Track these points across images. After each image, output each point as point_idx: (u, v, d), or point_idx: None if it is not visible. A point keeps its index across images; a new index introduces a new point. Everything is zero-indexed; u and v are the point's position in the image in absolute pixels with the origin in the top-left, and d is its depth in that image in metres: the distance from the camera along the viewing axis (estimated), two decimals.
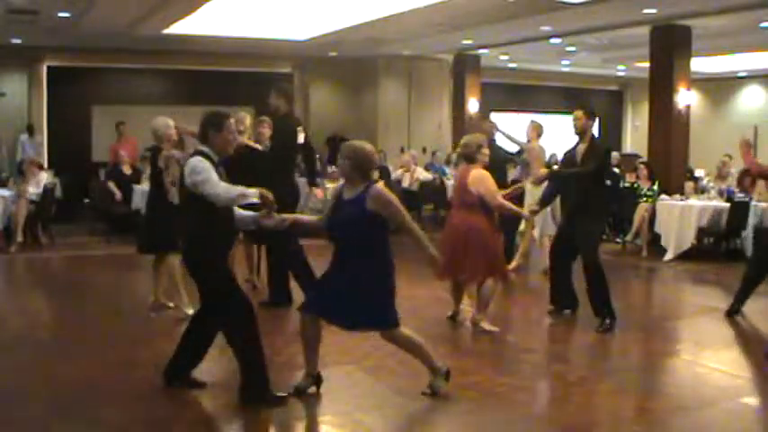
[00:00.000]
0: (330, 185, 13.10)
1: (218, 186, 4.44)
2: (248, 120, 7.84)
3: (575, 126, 6.75)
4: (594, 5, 11.00)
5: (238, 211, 4.77)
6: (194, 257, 4.66)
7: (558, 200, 13.37)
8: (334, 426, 4.49)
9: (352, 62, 17.19)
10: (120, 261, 9.91)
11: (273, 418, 4.46)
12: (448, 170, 15.04)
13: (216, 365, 5.67)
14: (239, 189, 4.46)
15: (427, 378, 4.86)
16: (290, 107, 7.37)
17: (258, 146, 7.49)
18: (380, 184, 4.78)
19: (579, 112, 6.71)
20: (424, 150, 16.74)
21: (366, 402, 4.87)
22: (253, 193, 4.45)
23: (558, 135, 19.37)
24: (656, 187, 11.28)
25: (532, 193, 8.76)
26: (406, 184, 13.90)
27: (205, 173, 4.45)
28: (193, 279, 4.74)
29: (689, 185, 11.35)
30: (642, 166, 11.80)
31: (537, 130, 9.43)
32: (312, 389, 4.81)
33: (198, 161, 4.52)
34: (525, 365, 5.61)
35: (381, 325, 4.73)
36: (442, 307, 7.20)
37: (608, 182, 8.65)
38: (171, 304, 6.99)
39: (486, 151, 6.39)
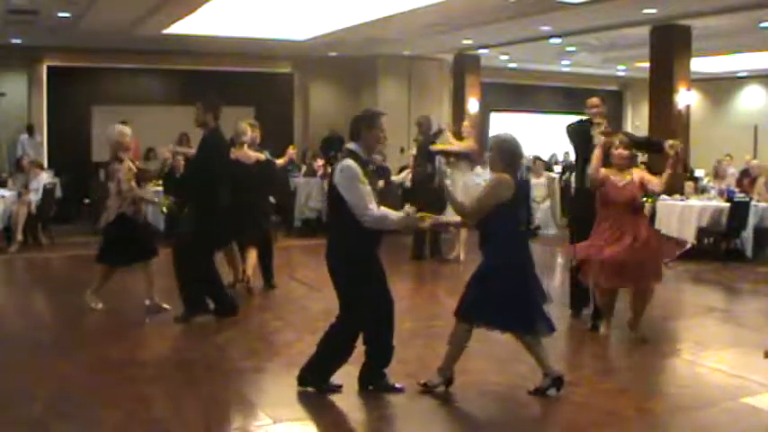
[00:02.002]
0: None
1: (363, 200, 4.55)
2: (249, 131, 7.81)
3: (596, 114, 6.53)
4: (594, 5, 11.00)
5: (390, 213, 4.71)
6: (337, 260, 4.70)
7: (558, 199, 13.50)
8: (334, 426, 4.49)
9: (352, 62, 17.18)
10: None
11: (274, 419, 4.46)
12: (449, 170, 14.97)
13: (219, 367, 5.67)
14: (387, 213, 4.59)
15: (425, 378, 4.92)
16: (218, 122, 6.77)
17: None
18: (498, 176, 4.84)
19: (597, 99, 6.57)
20: None
21: (366, 402, 4.86)
22: (397, 216, 4.61)
23: (558, 135, 19.49)
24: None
25: (459, 184, 9.36)
26: (408, 183, 13.87)
27: (354, 180, 4.57)
28: (332, 280, 4.76)
29: (689, 185, 11.35)
30: (642, 165, 11.79)
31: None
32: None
33: (348, 165, 4.61)
34: (525, 365, 5.60)
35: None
36: (440, 306, 7.20)
37: None
38: (166, 306, 6.97)
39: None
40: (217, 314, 6.71)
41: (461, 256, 9.96)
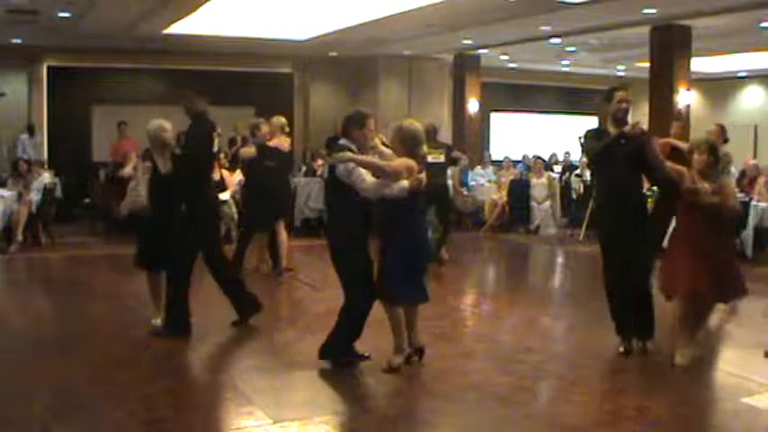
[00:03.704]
0: None
1: (360, 177, 4.97)
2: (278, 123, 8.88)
3: (626, 110, 5.77)
4: (594, 5, 11.00)
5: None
6: (339, 242, 5.20)
7: (558, 199, 13.50)
8: (335, 426, 4.49)
9: (352, 62, 17.18)
10: (120, 261, 9.88)
11: (274, 419, 4.46)
12: (449, 170, 15.01)
13: (219, 367, 5.68)
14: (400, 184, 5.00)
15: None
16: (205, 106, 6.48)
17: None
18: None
19: (625, 93, 5.80)
20: None
21: (366, 402, 4.86)
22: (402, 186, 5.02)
23: (558, 135, 19.53)
24: (654, 188, 11.25)
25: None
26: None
27: (355, 168, 4.98)
28: (335, 263, 5.19)
29: None
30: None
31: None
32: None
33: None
34: (525, 365, 5.61)
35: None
36: (440, 306, 7.19)
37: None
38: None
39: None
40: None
41: (445, 256, 9.95)
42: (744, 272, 5.97)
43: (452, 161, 10.74)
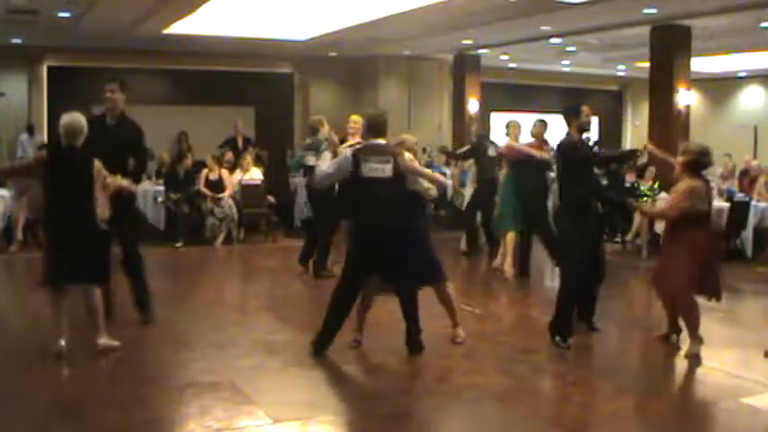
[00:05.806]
0: None
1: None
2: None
3: (589, 123, 6.54)
4: (594, 5, 11.00)
5: None
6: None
7: (558, 199, 13.49)
8: (335, 426, 4.49)
9: (352, 62, 17.19)
10: (117, 261, 9.87)
11: (274, 419, 4.46)
12: (448, 170, 15.05)
13: (219, 367, 5.68)
14: None
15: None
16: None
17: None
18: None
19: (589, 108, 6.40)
20: (424, 150, 16.73)
21: (366, 402, 4.86)
22: None
23: (558, 135, 19.50)
24: (656, 186, 11.26)
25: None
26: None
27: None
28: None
29: None
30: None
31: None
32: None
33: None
34: (525, 365, 5.61)
35: None
36: (440, 306, 7.18)
37: None
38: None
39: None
40: None
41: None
42: (743, 272, 5.98)
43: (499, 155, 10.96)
